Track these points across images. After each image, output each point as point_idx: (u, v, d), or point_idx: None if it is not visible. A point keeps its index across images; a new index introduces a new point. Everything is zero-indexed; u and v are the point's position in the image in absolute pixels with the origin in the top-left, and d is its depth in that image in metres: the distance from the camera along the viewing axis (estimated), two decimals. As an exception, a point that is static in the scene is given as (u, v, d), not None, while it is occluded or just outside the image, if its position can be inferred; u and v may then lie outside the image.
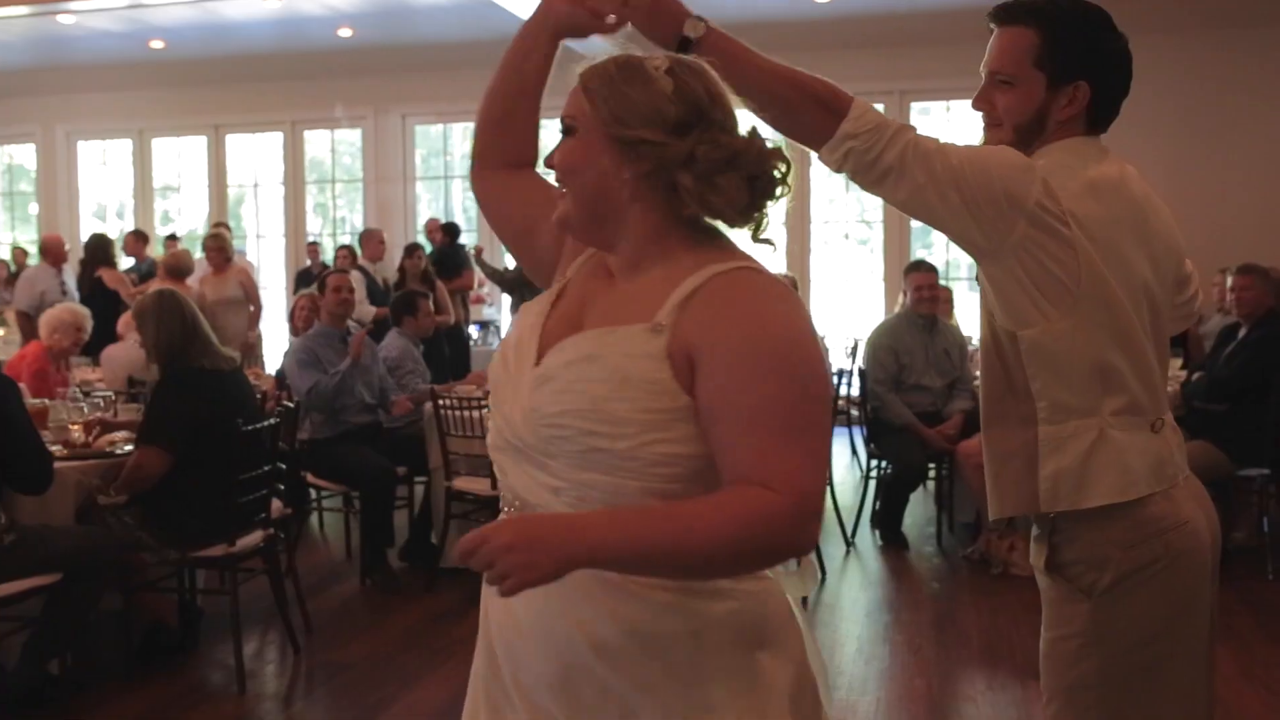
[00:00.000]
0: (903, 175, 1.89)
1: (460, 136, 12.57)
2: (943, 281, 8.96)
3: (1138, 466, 2.00)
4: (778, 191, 1.57)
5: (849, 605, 5.40)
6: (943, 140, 1.93)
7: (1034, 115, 2.01)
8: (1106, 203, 2.00)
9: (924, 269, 6.66)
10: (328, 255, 10.82)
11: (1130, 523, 2.01)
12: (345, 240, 11.92)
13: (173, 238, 11.89)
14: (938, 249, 11.47)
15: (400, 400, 6.00)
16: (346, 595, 5.64)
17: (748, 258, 1.57)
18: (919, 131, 1.93)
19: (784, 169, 1.56)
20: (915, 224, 11.54)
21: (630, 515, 1.47)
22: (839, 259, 11.91)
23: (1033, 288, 1.94)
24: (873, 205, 11.73)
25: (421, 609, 5.32)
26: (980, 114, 2.07)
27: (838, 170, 1.91)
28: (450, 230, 10.42)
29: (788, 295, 1.54)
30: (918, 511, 6.99)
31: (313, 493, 6.27)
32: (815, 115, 1.89)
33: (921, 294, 6.51)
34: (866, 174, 1.91)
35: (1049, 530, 2.07)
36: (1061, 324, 1.95)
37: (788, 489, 1.42)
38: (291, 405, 5.09)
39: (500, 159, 1.82)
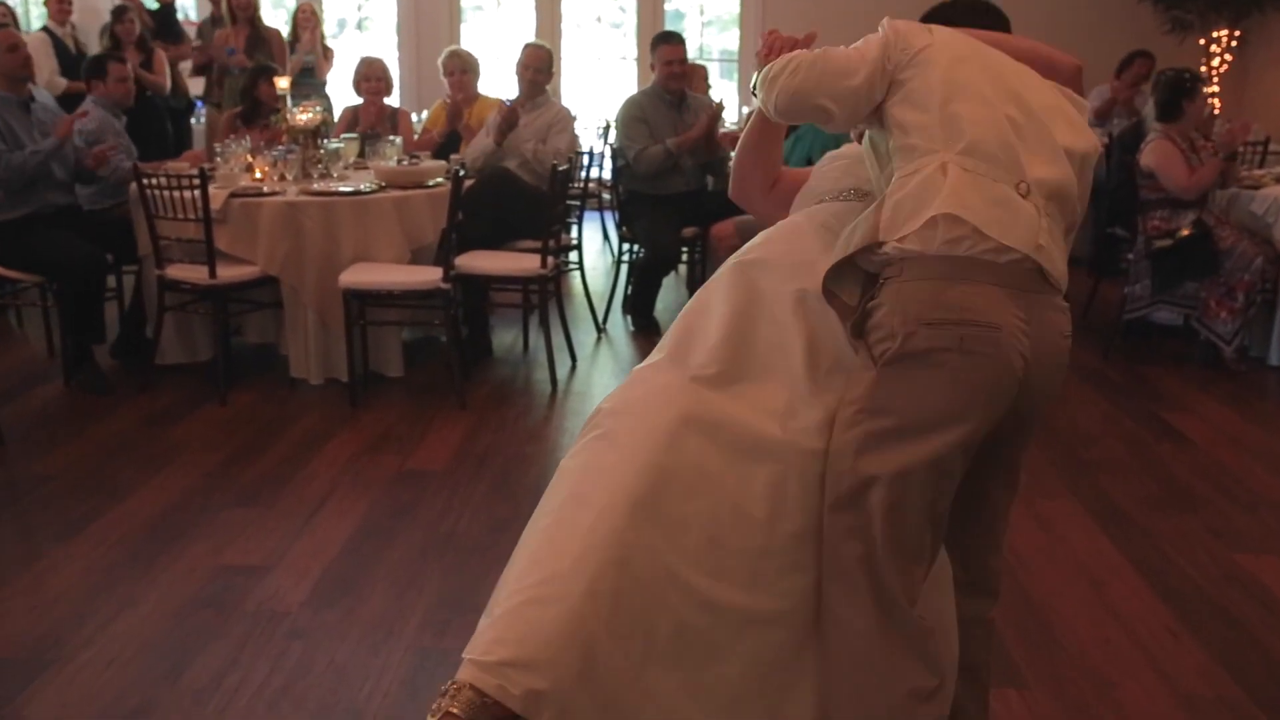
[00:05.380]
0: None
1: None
2: (695, 60, 8.68)
3: (976, 204, 1.95)
4: None
5: (600, 391, 5.23)
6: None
7: None
8: None
9: (673, 41, 6.30)
10: (29, 20, 9.45)
11: (938, 301, 1.92)
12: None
13: None
14: (691, 31, 11.13)
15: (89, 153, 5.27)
16: (47, 399, 5.06)
17: None
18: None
19: None
20: (669, 7, 11.13)
21: None
22: (590, 40, 11.42)
23: None
24: (625, -16, 11.23)
25: (134, 412, 4.82)
26: None
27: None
28: None
29: None
30: (670, 296, 6.87)
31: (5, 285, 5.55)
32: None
33: (671, 68, 6.17)
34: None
35: (868, 298, 2.00)
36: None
37: None
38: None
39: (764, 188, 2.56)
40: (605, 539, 1.91)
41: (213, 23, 8.43)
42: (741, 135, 2.52)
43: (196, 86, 8.70)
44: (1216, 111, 8.19)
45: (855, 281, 2.05)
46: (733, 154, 6.36)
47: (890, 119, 2.08)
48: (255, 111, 6.18)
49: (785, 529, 2.00)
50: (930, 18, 2.31)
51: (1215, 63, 9.69)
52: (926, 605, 2.04)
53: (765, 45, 2.23)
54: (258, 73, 6.28)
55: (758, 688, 2.00)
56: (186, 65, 8.59)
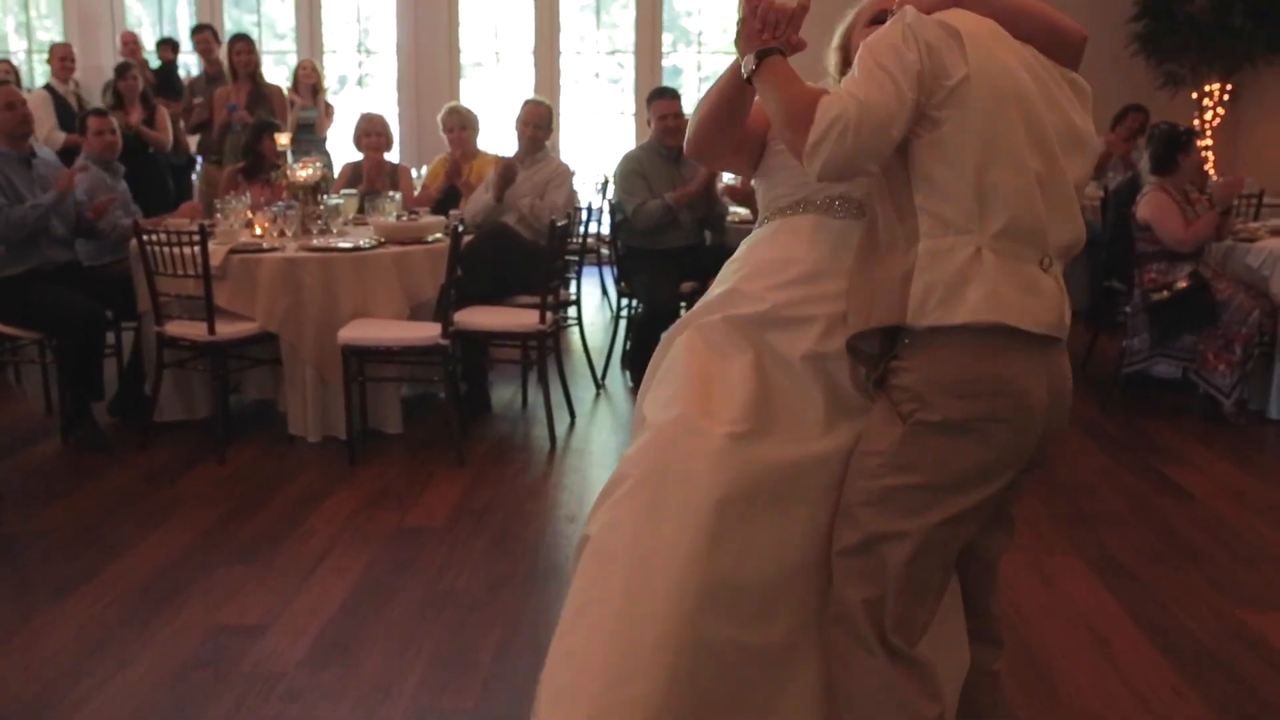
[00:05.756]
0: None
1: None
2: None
3: (1010, 296, 1.96)
4: None
5: (599, 449, 5.23)
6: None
7: None
8: None
9: (668, 96, 6.35)
10: (33, 78, 9.54)
11: (970, 373, 1.96)
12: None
13: None
14: (688, 87, 11.24)
15: (96, 204, 5.35)
16: (45, 456, 5.05)
17: None
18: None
19: None
20: (667, 64, 11.24)
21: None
22: (589, 96, 11.52)
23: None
24: (624, 42, 11.34)
25: (132, 469, 4.81)
26: None
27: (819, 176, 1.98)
28: (174, 46, 9.36)
29: None
30: (668, 351, 6.87)
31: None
32: (796, 137, 1.99)
33: (666, 123, 6.20)
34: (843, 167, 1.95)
35: (891, 356, 2.03)
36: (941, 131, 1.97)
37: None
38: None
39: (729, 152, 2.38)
40: (679, 625, 1.97)
41: (207, 80, 8.48)
42: (708, 94, 2.28)
43: (194, 143, 8.77)
44: (1210, 165, 8.25)
45: (875, 331, 2.07)
46: (732, 207, 6.45)
47: (917, 165, 2.00)
48: (257, 166, 6.21)
49: (817, 561, 2.09)
50: None
51: (1208, 116, 9.78)
52: (936, 629, 2.10)
53: (760, 16, 2.08)
54: (260, 128, 6.31)
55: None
56: (189, 121, 8.66)
